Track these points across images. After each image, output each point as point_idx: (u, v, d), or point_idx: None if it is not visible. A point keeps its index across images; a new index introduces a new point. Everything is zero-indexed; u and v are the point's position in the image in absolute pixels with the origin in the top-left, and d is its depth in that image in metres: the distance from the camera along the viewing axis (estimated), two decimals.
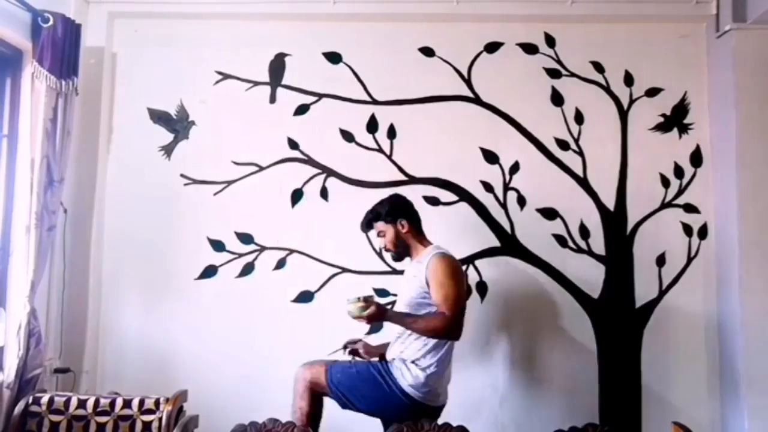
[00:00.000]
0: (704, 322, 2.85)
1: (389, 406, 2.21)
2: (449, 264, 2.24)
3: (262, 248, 2.91)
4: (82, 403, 2.23)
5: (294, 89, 2.97)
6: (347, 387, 2.25)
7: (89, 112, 2.93)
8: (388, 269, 2.89)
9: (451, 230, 2.89)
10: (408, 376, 2.21)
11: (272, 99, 2.97)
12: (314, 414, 2.28)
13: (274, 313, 2.88)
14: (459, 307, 2.19)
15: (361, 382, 2.26)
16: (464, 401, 2.84)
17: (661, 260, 2.88)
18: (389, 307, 2.42)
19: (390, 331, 2.41)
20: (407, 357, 2.24)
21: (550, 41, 2.98)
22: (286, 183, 2.93)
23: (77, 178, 2.90)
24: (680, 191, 2.91)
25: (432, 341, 2.22)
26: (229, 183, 2.94)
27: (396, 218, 2.37)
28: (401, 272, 2.88)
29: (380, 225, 2.40)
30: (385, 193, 2.90)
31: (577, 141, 2.94)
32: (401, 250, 2.40)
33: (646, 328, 2.85)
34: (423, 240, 2.41)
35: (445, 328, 2.17)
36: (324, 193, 2.93)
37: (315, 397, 2.28)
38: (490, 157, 2.94)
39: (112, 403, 2.23)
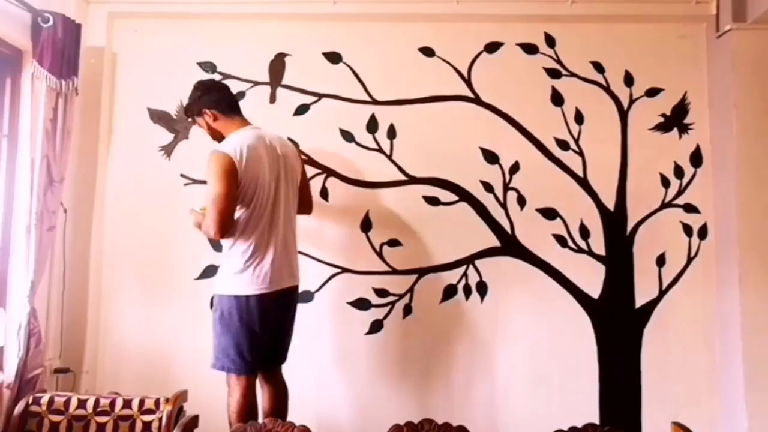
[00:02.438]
0: (704, 322, 2.85)
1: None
2: (211, 161, 2.20)
3: None
4: (82, 403, 2.23)
5: (294, 89, 2.97)
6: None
7: (89, 112, 2.93)
8: (388, 269, 2.89)
9: (451, 230, 2.90)
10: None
11: (272, 99, 2.97)
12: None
13: None
14: (217, 207, 2.16)
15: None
16: (464, 400, 2.85)
17: (661, 260, 2.88)
18: None
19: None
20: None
21: (550, 41, 2.98)
22: None
23: (77, 178, 2.90)
24: (680, 191, 2.91)
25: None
26: None
27: (201, 110, 2.39)
28: (401, 272, 2.89)
29: (197, 120, 2.45)
30: (384, 192, 2.93)
31: (577, 141, 2.94)
32: (219, 138, 2.39)
33: (646, 328, 2.86)
34: (232, 124, 2.38)
35: (206, 229, 2.20)
36: (324, 193, 2.93)
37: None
38: (490, 157, 2.94)
39: (112, 403, 2.23)
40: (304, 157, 2.92)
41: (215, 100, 2.39)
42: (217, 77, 2.96)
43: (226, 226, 2.18)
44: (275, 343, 2.37)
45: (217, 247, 2.87)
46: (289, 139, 2.90)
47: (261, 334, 2.26)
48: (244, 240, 2.25)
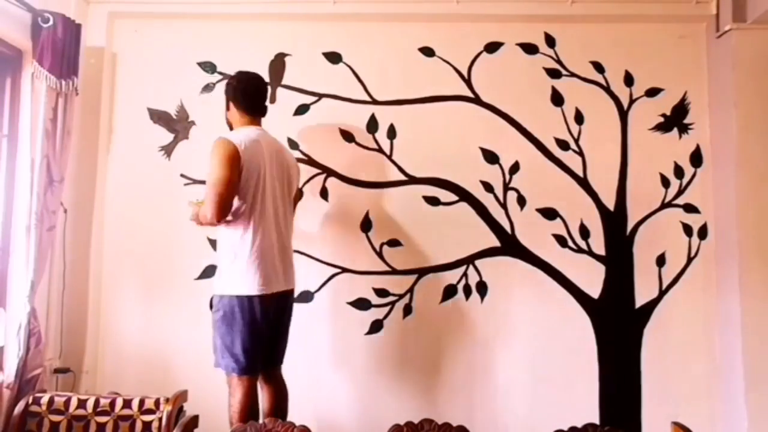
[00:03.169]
0: (704, 322, 2.85)
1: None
2: (215, 146, 2.24)
3: None
4: (82, 403, 2.23)
5: (294, 89, 2.97)
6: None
7: (89, 112, 2.93)
8: (388, 269, 2.89)
9: (451, 230, 2.90)
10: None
11: (272, 99, 2.97)
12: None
13: None
14: (217, 190, 2.18)
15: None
16: (464, 400, 2.84)
17: (661, 260, 2.88)
18: None
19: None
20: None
21: (550, 41, 2.98)
22: None
23: (77, 178, 2.90)
24: (680, 191, 2.91)
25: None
26: None
27: (227, 98, 2.47)
28: (401, 272, 2.89)
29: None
30: (384, 192, 2.93)
31: (577, 141, 2.94)
32: (230, 127, 2.47)
33: (646, 328, 2.86)
34: (240, 119, 2.42)
35: (204, 212, 2.22)
36: (324, 193, 2.93)
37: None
38: (490, 157, 2.94)
39: (112, 403, 2.23)
40: (304, 157, 2.93)
41: (234, 91, 2.44)
42: (216, 77, 2.97)
43: (224, 210, 2.20)
44: (272, 345, 2.38)
45: (217, 247, 2.87)
46: (289, 139, 2.92)
47: (262, 333, 2.27)
48: (243, 234, 2.27)
